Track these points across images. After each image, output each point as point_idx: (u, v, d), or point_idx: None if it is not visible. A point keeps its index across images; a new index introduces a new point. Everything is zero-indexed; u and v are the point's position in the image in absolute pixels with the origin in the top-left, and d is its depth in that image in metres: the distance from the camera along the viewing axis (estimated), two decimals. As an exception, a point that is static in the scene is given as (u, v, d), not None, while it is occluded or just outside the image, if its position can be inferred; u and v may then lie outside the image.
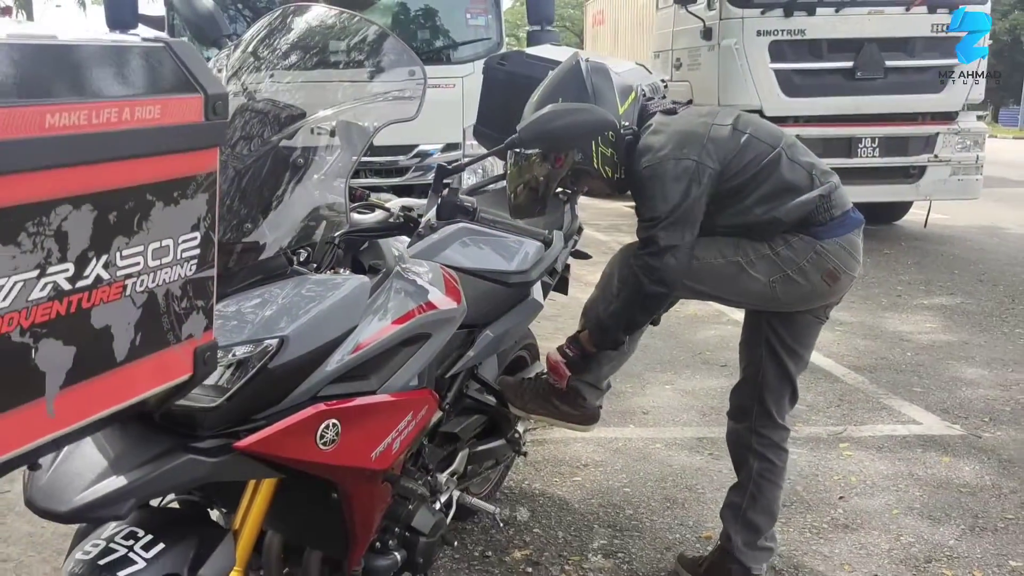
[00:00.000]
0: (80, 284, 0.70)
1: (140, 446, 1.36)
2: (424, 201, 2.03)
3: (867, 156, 7.63)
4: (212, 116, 0.79)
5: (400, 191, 4.53)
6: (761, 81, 7.46)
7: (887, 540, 2.69)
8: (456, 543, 2.60)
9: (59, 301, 0.69)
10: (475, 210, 1.72)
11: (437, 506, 2.13)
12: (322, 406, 1.48)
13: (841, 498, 2.97)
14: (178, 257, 0.79)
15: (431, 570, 2.22)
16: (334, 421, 1.50)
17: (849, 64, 7.51)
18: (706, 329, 5.01)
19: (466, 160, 2.20)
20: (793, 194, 2.03)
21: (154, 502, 1.59)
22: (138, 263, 0.75)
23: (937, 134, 7.66)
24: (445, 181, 2.06)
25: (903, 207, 8.81)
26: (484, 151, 2.25)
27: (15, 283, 0.64)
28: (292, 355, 1.41)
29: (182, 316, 0.81)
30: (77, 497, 1.30)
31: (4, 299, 0.64)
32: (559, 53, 2.93)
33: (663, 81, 9.56)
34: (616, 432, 3.57)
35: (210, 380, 1.36)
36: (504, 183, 2.38)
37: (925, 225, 8.28)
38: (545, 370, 2.41)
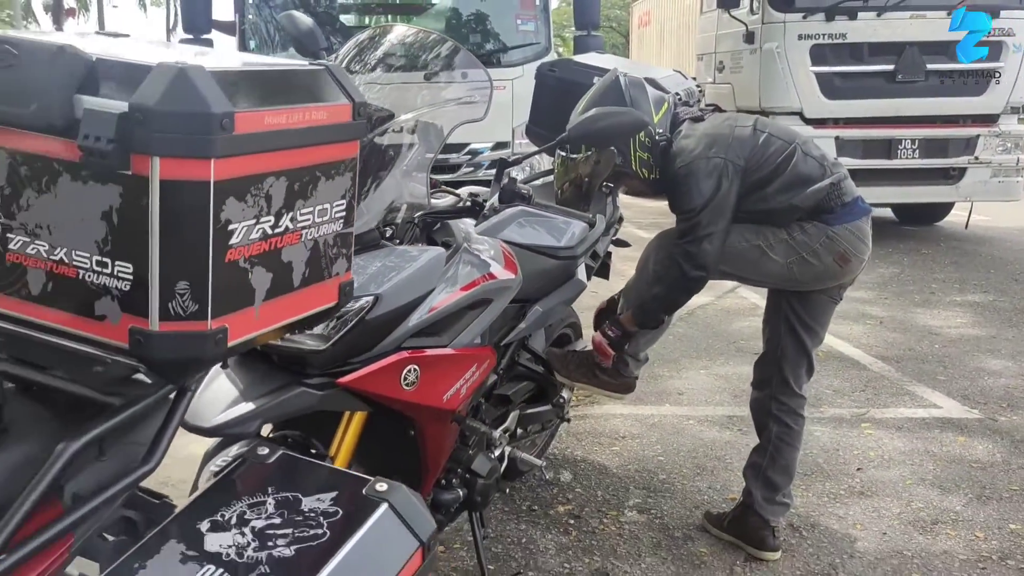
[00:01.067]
0: (276, 231, 1.03)
1: (264, 380, 1.71)
2: (488, 188, 2.36)
3: (907, 157, 7.76)
4: (357, 117, 1.12)
5: (453, 187, 4.88)
6: (802, 84, 7.65)
7: (898, 505, 2.95)
8: (508, 492, 2.92)
9: (264, 242, 1.02)
10: (530, 196, 2.05)
11: (493, 456, 2.46)
12: (405, 354, 1.82)
13: (859, 469, 3.23)
14: (332, 216, 1.12)
15: (486, 519, 2.56)
16: (415, 366, 1.83)
17: (890, 67, 7.64)
18: (740, 320, 5.26)
19: (524, 154, 2.53)
20: (808, 183, 2.31)
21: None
22: (309, 219, 1.08)
23: (978, 136, 7.76)
24: (506, 171, 2.39)
25: (944, 208, 8.91)
26: (532, 148, 2.57)
27: (243, 227, 0.98)
28: (383, 310, 1.75)
29: (333, 259, 1.14)
30: (217, 417, 1.65)
31: (236, 237, 0.97)
32: (603, 60, 3.24)
33: (699, 86, 9.80)
34: (653, 410, 3.86)
35: (318, 329, 1.71)
36: (550, 178, 2.70)
37: (967, 226, 8.37)
38: (590, 347, 2.72)
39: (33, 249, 0.99)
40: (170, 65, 0.91)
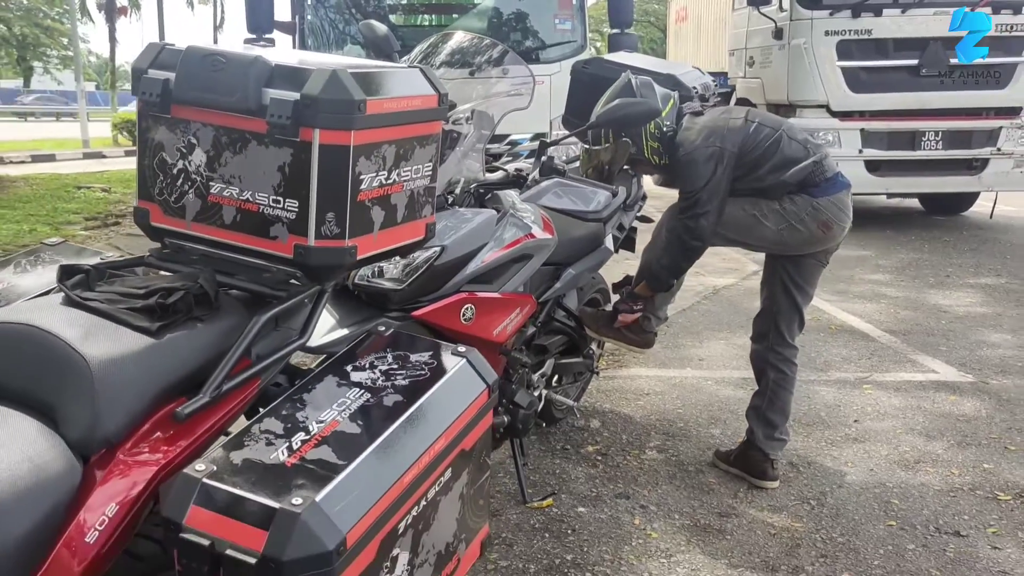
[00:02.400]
0: (387, 182, 1.50)
1: (355, 313, 2.19)
2: (530, 164, 2.84)
3: (930, 149, 8.07)
4: (441, 104, 1.59)
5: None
6: (828, 78, 8.00)
7: (887, 449, 3.35)
8: (544, 434, 3.39)
9: (381, 189, 1.48)
10: (564, 170, 2.51)
11: (532, 393, 2.93)
12: (464, 295, 2.29)
13: (856, 421, 3.64)
14: (423, 175, 1.58)
15: (526, 451, 3.02)
16: (471, 305, 2.30)
17: (914, 62, 7.94)
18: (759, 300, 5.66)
19: (562, 135, 2.99)
20: (794, 163, 2.74)
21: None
22: (408, 175, 1.54)
23: (1000, 128, 8.03)
24: (546, 150, 2.87)
25: (969, 199, 9.17)
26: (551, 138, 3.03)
27: (368, 178, 1.44)
28: (447, 259, 2.22)
29: (422, 205, 1.61)
30: (321, 340, 2.13)
31: (364, 184, 1.44)
32: (631, 59, 3.69)
33: (730, 80, 10.14)
34: (675, 372, 4.30)
35: (395, 272, 2.19)
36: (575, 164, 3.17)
37: (991, 216, 8.63)
38: (612, 307, 3.18)
39: (228, 192, 1.47)
40: (325, 68, 1.39)
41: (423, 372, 1.41)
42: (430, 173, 1.61)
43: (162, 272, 1.53)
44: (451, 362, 1.47)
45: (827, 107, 8.06)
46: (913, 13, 7.91)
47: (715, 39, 13.32)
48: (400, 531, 1.24)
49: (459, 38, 2.61)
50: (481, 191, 2.52)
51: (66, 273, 1.40)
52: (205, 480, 1.12)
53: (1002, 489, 3.01)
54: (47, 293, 1.48)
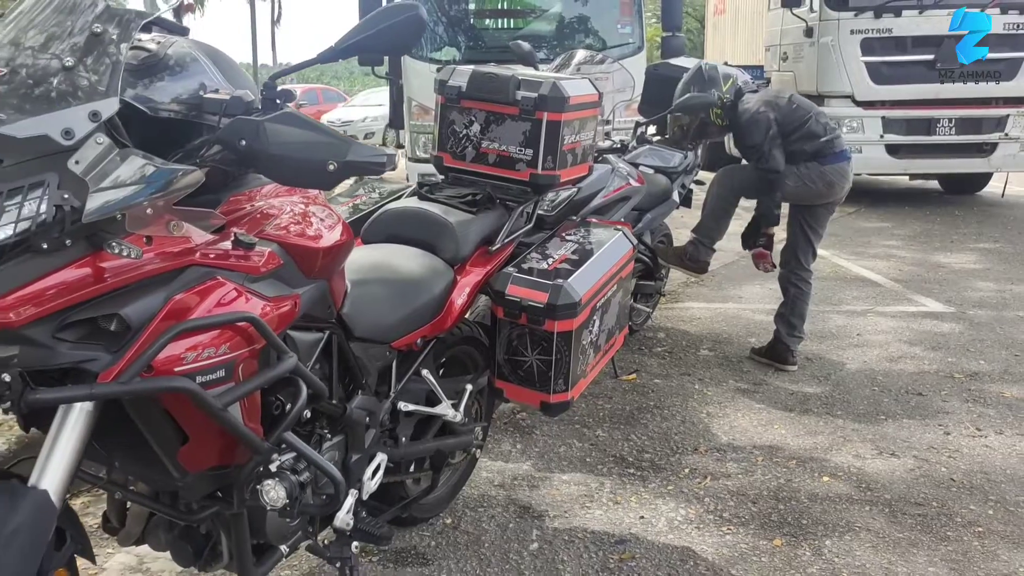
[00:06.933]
0: (574, 141, 2.76)
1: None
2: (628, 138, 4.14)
3: (945, 134, 9.14)
4: (600, 99, 2.85)
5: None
6: (853, 72, 9.10)
7: (879, 351, 4.57)
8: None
9: (572, 144, 2.74)
10: (651, 140, 3.78)
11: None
12: (593, 219, 3.55)
13: (858, 335, 4.85)
14: (588, 138, 2.84)
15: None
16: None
17: (930, 57, 9.02)
18: (790, 256, 6.87)
19: (656, 116, 4.27)
20: (814, 138, 3.96)
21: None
22: (583, 138, 2.81)
23: (1008, 116, 9.07)
24: (640, 127, 4.17)
25: (982, 179, 10.22)
26: (638, 121, 4.34)
27: (568, 137, 2.69)
28: (581, 196, 3.47)
29: (587, 154, 2.86)
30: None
31: (566, 141, 2.70)
32: (689, 63, 4.93)
33: (766, 73, 11.25)
34: (719, 305, 5.54)
35: (547, 206, 3.46)
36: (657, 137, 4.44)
37: (1003, 195, 9.70)
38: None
39: (492, 146, 2.73)
40: (551, 81, 2.65)
41: (600, 235, 2.69)
42: (592, 137, 2.88)
43: (462, 188, 2.80)
44: (613, 232, 2.75)
45: (852, 97, 9.15)
46: (930, 14, 8.96)
47: (752, 32, 14.31)
48: (597, 307, 2.52)
49: (581, 55, 3.89)
50: (597, 154, 3.78)
51: (420, 185, 2.70)
52: (514, 273, 2.41)
53: (958, 372, 4.22)
54: (399, 196, 2.77)
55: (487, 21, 9.12)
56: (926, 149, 9.27)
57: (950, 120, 9.10)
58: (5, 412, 1.31)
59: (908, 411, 3.75)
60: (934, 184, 10.89)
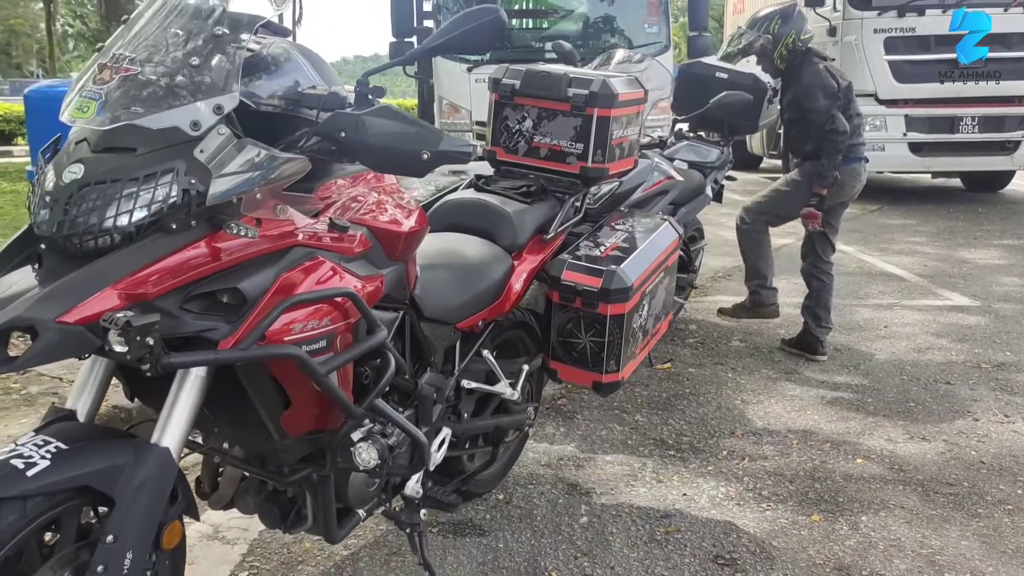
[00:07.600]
0: (622, 136, 2.90)
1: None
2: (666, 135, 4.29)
3: (968, 132, 9.21)
4: (645, 96, 2.99)
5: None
6: (876, 70, 9.18)
7: (906, 342, 4.68)
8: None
9: (620, 138, 2.90)
10: (689, 136, 3.92)
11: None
12: (636, 211, 3.69)
13: (885, 327, 4.96)
14: (634, 133, 2.99)
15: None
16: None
17: (953, 56, 9.10)
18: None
19: (695, 113, 4.41)
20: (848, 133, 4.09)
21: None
22: (630, 133, 2.95)
23: (1030, 113, 9.16)
24: (677, 124, 4.32)
25: (1005, 177, 10.28)
26: (678, 118, 4.48)
27: (616, 132, 2.83)
28: (622, 189, 3.61)
29: (633, 148, 2.99)
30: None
31: (614, 135, 2.85)
32: (720, 62, 5.06)
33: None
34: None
35: (591, 200, 3.60)
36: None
37: (1026, 192, 9.76)
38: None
39: (544, 140, 2.88)
40: (601, 79, 2.79)
41: (648, 225, 2.84)
42: (637, 132, 3.02)
43: (515, 180, 2.95)
44: (660, 222, 2.90)
45: (875, 96, 9.23)
46: (952, 13, 9.04)
47: (773, 32, 14.44)
48: (646, 293, 2.66)
49: (620, 54, 4.03)
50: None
51: (477, 177, 2.85)
52: (569, 260, 2.56)
53: (985, 362, 4.33)
54: (455, 188, 2.92)
55: (515, 21, 9.27)
56: (949, 147, 9.34)
57: (973, 118, 9.18)
58: (147, 373, 1.47)
59: (937, 399, 3.86)
60: (956, 182, 10.95)
